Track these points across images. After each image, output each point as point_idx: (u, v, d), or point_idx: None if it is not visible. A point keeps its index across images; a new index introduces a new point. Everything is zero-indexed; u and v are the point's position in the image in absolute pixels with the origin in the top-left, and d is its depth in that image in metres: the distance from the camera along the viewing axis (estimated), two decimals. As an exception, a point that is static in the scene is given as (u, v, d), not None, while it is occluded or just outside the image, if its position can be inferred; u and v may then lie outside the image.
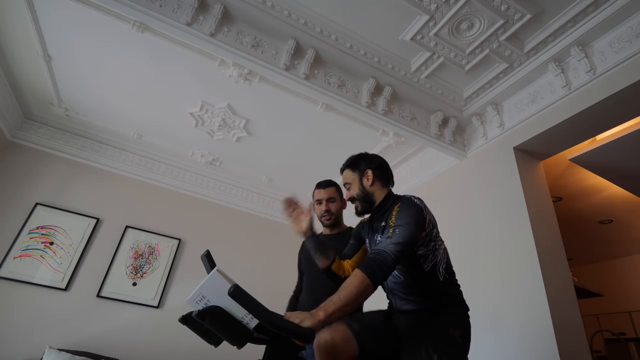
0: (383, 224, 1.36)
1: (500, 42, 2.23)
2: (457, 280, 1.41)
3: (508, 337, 2.10)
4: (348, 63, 2.45)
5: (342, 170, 1.55)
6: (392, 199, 1.42)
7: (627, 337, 4.78)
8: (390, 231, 1.22)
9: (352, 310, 1.12)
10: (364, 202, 1.45)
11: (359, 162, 1.51)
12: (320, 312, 1.04)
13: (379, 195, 1.45)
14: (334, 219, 1.83)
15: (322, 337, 1.13)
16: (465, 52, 2.35)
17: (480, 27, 2.17)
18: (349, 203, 1.56)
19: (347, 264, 1.52)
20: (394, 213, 1.28)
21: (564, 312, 2.00)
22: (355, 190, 1.46)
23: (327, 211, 1.80)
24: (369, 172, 1.47)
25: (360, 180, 1.47)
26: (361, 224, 1.61)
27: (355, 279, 1.11)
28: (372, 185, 1.45)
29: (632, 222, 4.41)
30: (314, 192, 1.86)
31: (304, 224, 1.43)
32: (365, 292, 1.11)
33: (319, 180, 1.99)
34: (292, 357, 1.14)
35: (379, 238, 1.37)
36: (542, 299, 1.98)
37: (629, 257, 5.53)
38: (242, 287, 1.01)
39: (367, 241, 1.48)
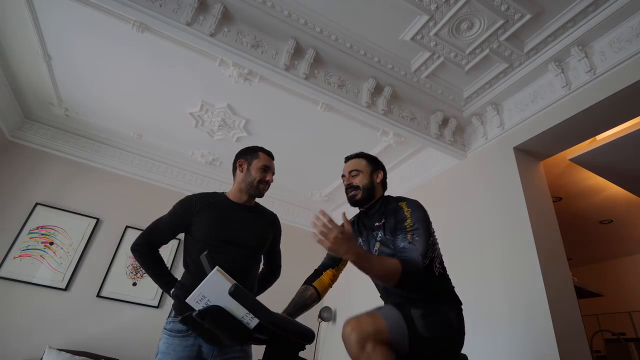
0: (382, 222, 1.41)
1: (500, 42, 2.23)
2: (448, 275, 1.45)
3: (508, 337, 2.10)
4: (348, 63, 2.45)
5: (352, 157, 1.60)
6: (391, 199, 1.48)
7: (627, 337, 4.78)
8: (409, 236, 1.28)
9: (371, 274, 1.22)
10: (366, 194, 1.50)
11: (375, 160, 1.60)
12: (362, 251, 1.16)
13: (378, 194, 1.53)
14: (265, 192, 1.72)
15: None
16: (465, 52, 2.35)
17: (480, 27, 2.17)
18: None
19: (330, 273, 1.57)
20: (408, 215, 1.34)
21: (564, 312, 2.00)
22: (363, 181, 1.51)
23: (268, 183, 1.68)
24: (381, 173, 1.57)
25: (371, 174, 1.54)
26: None
27: (394, 265, 1.18)
28: (378, 183, 1.54)
29: (632, 222, 4.41)
30: (259, 155, 1.71)
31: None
32: (389, 279, 1.19)
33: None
34: (292, 357, 1.14)
35: (378, 236, 1.41)
36: (542, 299, 1.98)
37: (629, 257, 5.53)
38: (242, 287, 1.01)
39: (360, 241, 1.50)
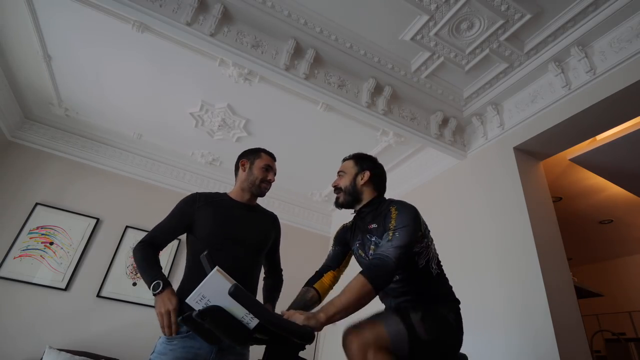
0: (374, 225, 1.38)
1: (500, 42, 2.23)
2: (445, 274, 1.45)
3: (508, 337, 2.10)
4: (348, 63, 2.45)
5: (346, 159, 1.59)
6: (385, 202, 1.44)
7: (627, 337, 4.78)
8: (391, 234, 1.24)
9: (353, 313, 1.13)
10: (348, 196, 1.48)
11: (363, 160, 1.55)
12: (321, 314, 1.05)
13: (366, 196, 1.49)
14: (267, 192, 1.72)
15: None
16: (465, 52, 2.35)
17: (480, 27, 2.17)
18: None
19: (331, 275, 1.54)
20: (393, 216, 1.30)
21: (564, 312, 2.00)
22: (345, 182, 1.50)
23: (270, 182, 1.68)
24: (367, 173, 1.50)
25: (356, 175, 1.50)
26: (344, 228, 1.61)
27: (357, 283, 1.12)
28: (363, 185, 1.49)
29: (632, 221, 4.41)
30: (261, 155, 1.70)
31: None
32: (366, 298, 1.12)
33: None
34: (292, 357, 1.14)
35: (372, 239, 1.39)
36: (542, 299, 1.98)
37: (629, 257, 5.53)
38: (242, 287, 1.01)
39: (357, 244, 1.48)
